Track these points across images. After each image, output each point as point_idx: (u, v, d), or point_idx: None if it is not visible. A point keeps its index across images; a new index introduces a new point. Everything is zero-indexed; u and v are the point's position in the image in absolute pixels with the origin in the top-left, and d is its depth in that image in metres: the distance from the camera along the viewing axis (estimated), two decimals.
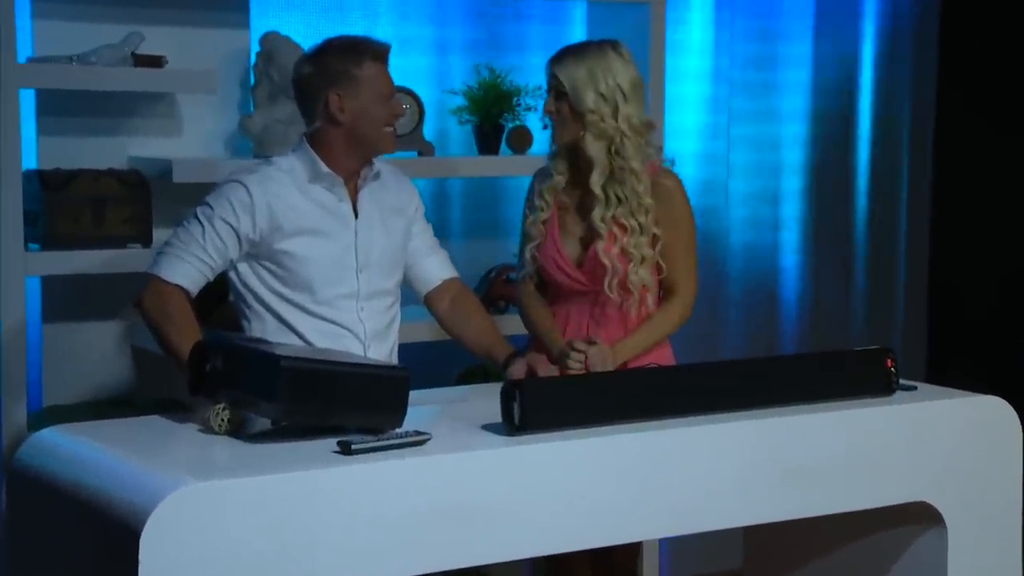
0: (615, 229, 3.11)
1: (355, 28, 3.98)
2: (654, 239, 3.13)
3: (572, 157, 3.17)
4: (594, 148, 3.09)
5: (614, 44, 3.14)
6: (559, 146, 3.16)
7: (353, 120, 2.94)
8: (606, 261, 3.11)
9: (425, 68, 4.18)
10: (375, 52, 2.97)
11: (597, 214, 3.11)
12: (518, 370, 2.95)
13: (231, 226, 2.90)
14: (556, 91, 3.11)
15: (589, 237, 3.16)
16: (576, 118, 3.09)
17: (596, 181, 3.10)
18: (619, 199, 3.11)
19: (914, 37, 5.07)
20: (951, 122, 5.14)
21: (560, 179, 3.18)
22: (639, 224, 3.11)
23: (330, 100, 2.93)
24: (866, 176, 5.10)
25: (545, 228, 3.19)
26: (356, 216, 3.00)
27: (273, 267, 2.95)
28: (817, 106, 4.95)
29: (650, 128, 3.15)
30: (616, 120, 3.08)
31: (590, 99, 3.07)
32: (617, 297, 3.13)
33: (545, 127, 3.20)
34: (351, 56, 2.94)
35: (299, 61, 3.02)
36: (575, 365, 3.04)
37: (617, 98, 3.08)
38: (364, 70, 2.94)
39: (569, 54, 3.12)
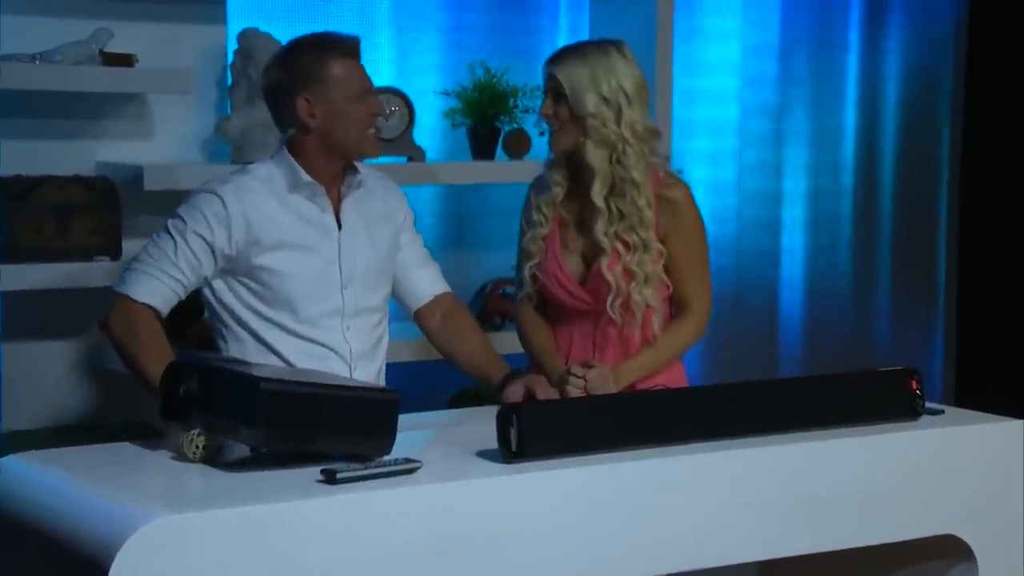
0: (618, 245, 3.10)
1: (340, 22, 4.00)
2: (659, 255, 3.13)
3: (571, 166, 3.15)
4: (595, 156, 3.08)
5: (617, 44, 3.13)
6: (557, 153, 3.14)
7: (326, 125, 2.92)
8: (610, 279, 3.10)
9: (415, 66, 4.18)
10: (343, 48, 2.94)
11: (600, 228, 3.09)
12: (515, 392, 2.95)
13: (205, 240, 2.89)
14: (555, 93, 3.09)
15: (592, 253, 3.15)
16: (576, 123, 3.07)
17: (598, 192, 3.08)
18: (621, 213, 3.09)
19: (941, 46, 5.12)
20: (979, 131, 5.18)
21: (559, 191, 3.17)
22: (642, 240, 3.09)
23: (298, 106, 2.91)
24: (890, 188, 5.13)
25: (545, 244, 3.18)
26: (339, 227, 3.00)
27: (251, 284, 2.94)
28: (839, 117, 4.99)
29: (655, 135, 3.13)
30: (619, 126, 3.06)
31: (591, 102, 3.05)
32: (619, 318, 3.13)
33: (542, 133, 3.18)
34: (316, 56, 2.92)
35: (266, 67, 3.01)
36: (574, 392, 3.03)
37: (620, 101, 3.06)
38: (331, 69, 2.91)
39: (569, 54, 3.11)
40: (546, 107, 3.10)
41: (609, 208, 3.09)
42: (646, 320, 3.14)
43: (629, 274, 3.11)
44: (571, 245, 3.18)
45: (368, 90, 2.97)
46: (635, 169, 3.07)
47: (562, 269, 3.17)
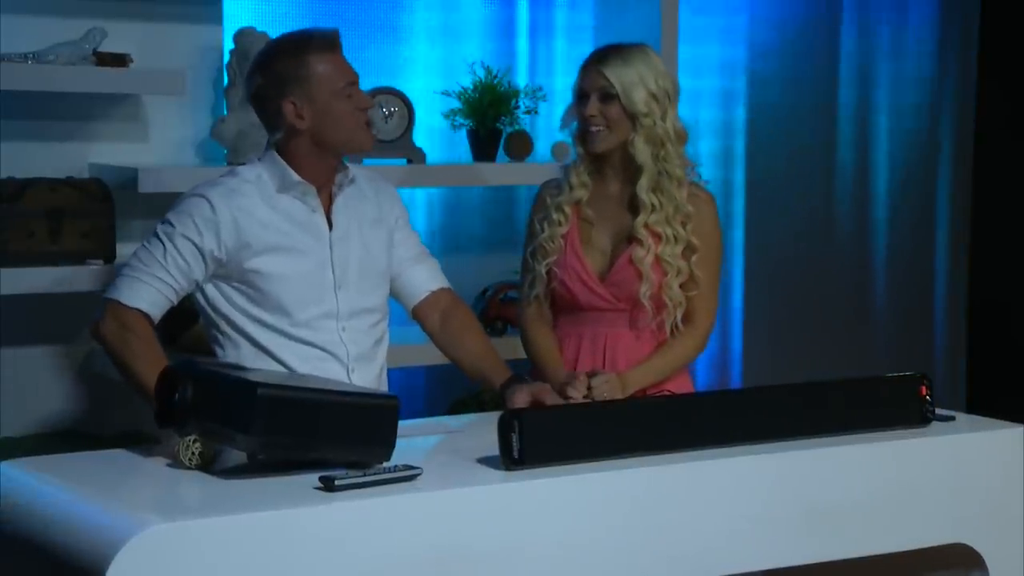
0: (650, 238, 3.17)
1: (336, 21, 4.01)
2: (686, 253, 3.18)
3: (597, 165, 3.21)
4: (644, 153, 3.16)
5: (648, 46, 3.23)
6: (600, 153, 3.19)
7: (315, 125, 2.92)
8: (641, 268, 3.15)
9: (414, 66, 4.19)
10: (320, 43, 2.93)
11: (641, 220, 3.16)
12: (521, 401, 2.95)
13: (194, 244, 2.90)
14: (602, 93, 3.15)
15: (614, 250, 3.21)
16: (625, 122, 3.15)
17: (645, 187, 3.16)
18: (659, 206, 3.17)
19: (953, 39, 5.14)
20: (991, 134, 5.19)
21: (583, 192, 3.23)
22: (674, 233, 3.17)
23: (285, 110, 2.91)
24: (895, 181, 5.14)
25: (564, 242, 3.22)
26: (330, 228, 3.01)
27: (244, 288, 2.95)
28: (842, 109, 5.00)
29: (686, 137, 3.23)
30: (665, 122, 3.16)
31: (642, 100, 3.14)
32: (651, 310, 3.16)
33: (581, 137, 3.20)
34: (294, 55, 2.91)
35: (248, 73, 3.00)
36: (576, 395, 3.05)
37: (666, 101, 3.17)
38: (312, 67, 2.91)
39: (611, 55, 3.18)
40: (593, 108, 3.16)
41: (651, 203, 3.16)
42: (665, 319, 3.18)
43: (660, 265, 3.15)
44: (594, 242, 3.23)
45: (353, 82, 2.95)
46: (677, 166, 3.17)
47: (583, 264, 3.21)
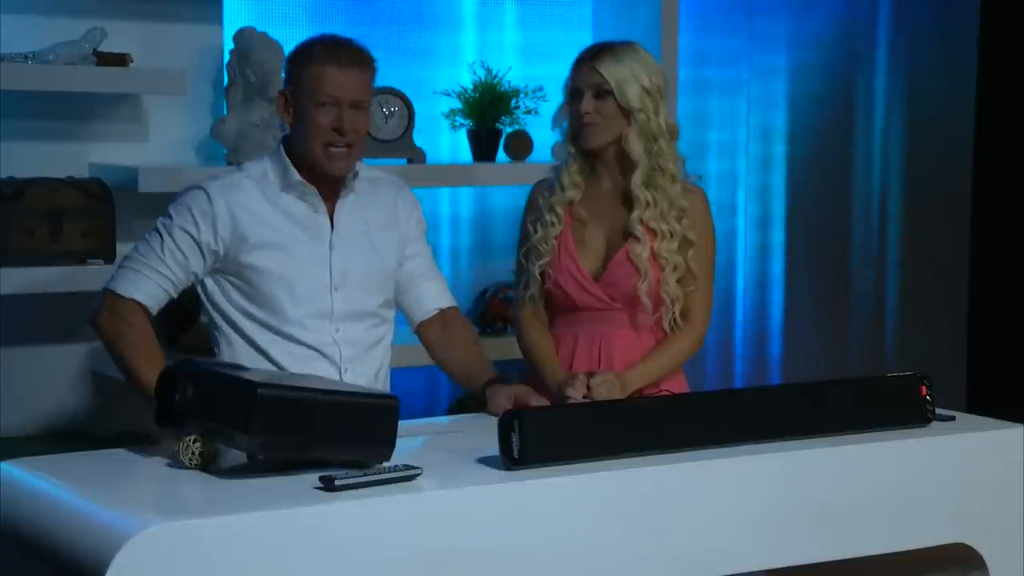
0: (646, 234, 3.17)
1: (338, 22, 4.01)
2: (681, 248, 3.18)
3: (590, 164, 3.22)
4: (637, 148, 3.16)
5: (636, 43, 3.23)
6: (591, 149, 3.19)
7: (292, 125, 2.95)
8: (638, 264, 3.15)
9: (415, 66, 4.19)
10: (331, 55, 2.91)
11: (636, 216, 3.17)
12: (504, 402, 2.92)
13: (191, 236, 2.91)
14: (597, 90, 3.16)
15: (608, 249, 3.21)
16: (619, 118, 3.16)
17: (638, 182, 3.17)
18: (648, 203, 3.17)
19: (958, 49, 5.15)
20: (992, 133, 5.19)
21: (575, 192, 3.22)
22: (669, 229, 3.17)
23: (278, 100, 2.98)
24: (898, 181, 5.14)
25: (557, 243, 3.22)
26: (332, 228, 3.01)
27: (239, 283, 2.96)
28: (850, 118, 5.01)
29: (678, 133, 3.23)
30: (658, 118, 3.17)
31: (636, 95, 3.15)
32: (649, 306, 3.16)
33: (580, 132, 3.20)
34: (307, 54, 2.94)
35: None
36: (576, 396, 3.05)
37: (658, 96, 3.18)
38: (309, 69, 2.91)
39: (604, 52, 3.19)
40: (588, 104, 3.16)
41: (645, 199, 3.17)
42: (660, 317, 3.18)
43: (656, 261, 3.16)
44: (588, 242, 3.23)
45: (338, 100, 2.90)
46: (670, 160, 3.18)
47: (576, 264, 3.21)
